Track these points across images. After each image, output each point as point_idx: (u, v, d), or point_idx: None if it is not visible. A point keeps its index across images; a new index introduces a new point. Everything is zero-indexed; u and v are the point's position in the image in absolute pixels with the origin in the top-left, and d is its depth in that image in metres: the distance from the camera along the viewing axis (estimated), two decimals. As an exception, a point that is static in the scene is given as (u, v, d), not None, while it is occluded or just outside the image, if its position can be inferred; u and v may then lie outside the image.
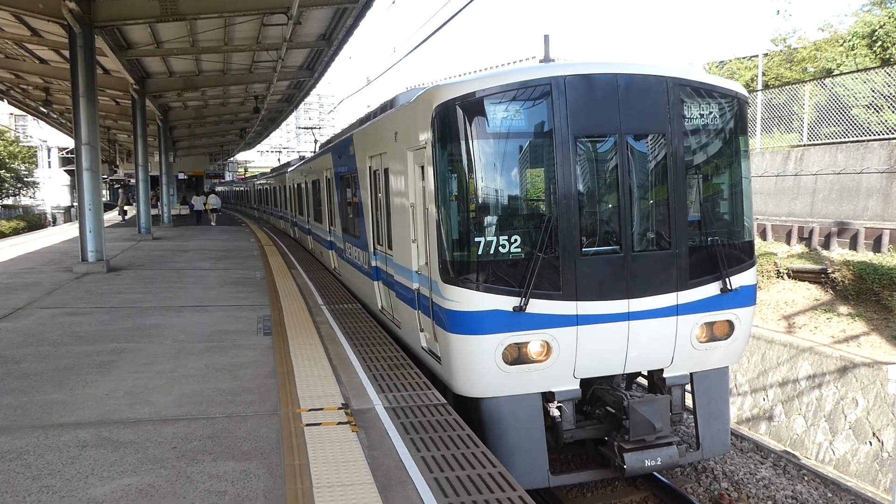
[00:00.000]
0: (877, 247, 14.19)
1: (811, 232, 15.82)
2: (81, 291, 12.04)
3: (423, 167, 6.84)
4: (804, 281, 13.96)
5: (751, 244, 6.98)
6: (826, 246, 15.33)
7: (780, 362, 12.11)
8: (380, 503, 4.15)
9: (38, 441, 5.11)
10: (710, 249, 6.60)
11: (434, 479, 4.48)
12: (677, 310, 6.48)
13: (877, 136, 15.87)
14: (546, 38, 8.04)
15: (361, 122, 11.40)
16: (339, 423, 5.46)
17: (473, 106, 6.09)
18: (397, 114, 8.25)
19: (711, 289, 6.59)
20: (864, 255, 14.15)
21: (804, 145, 17.92)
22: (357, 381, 6.64)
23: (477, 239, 6.07)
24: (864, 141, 16.01)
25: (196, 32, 18.70)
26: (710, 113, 6.61)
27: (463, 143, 6.11)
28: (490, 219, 6.15)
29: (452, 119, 6.16)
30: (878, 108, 16.68)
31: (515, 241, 6.10)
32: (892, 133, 15.60)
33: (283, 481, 4.44)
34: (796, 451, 10.69)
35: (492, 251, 6.06)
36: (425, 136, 6.58)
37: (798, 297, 13.64)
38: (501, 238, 6.08)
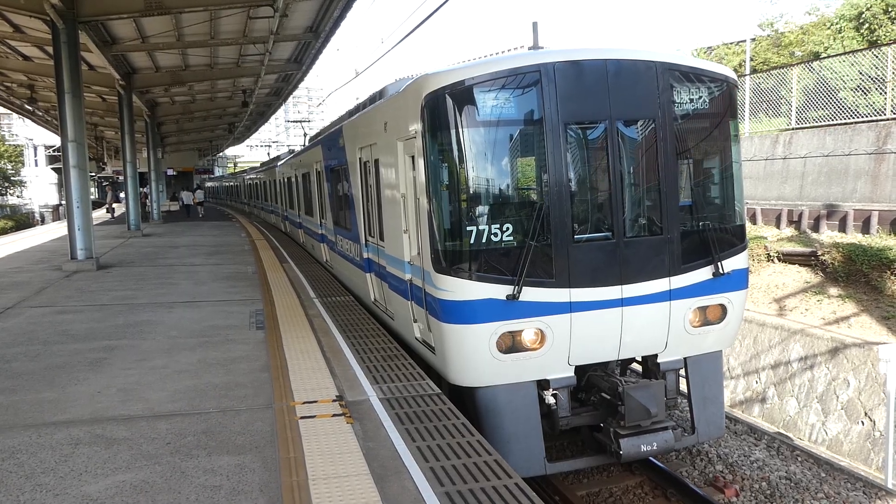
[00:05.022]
0: (866, 228, 14.29)
1: (801, 215, 15.91)
2: (71, 289, 11.96)
3: (413, 157, 6.80)
4: (794, 264, 14.04)
5: (742, 228, 6.99)
6: (815, 229, 15.42)
7: (772, 345, 12.20)
8: (376, 493, 4.16)
9: (30, 440, 5.08)
10: (701, 234, 6.59)
11: (430, 469, 4.49)
12: (670, 295, 6.49)
13: (864, 119, 15.93)
14: (534, 24, 7.98)
15: (351, 113, 11.34)
16: (334, 415, 5.46)
17: (463, 94, 6.05)
18: (387, 104, 8.19)
19: (704, 273, 6.60)
20: (853, 236, 14.25)
21: (792, 129, 17.98)
22: (351, 372, 6.63)
23: (469, 228, 6.04)
24: (851, 123, 16.07)
25: (182, 26, 18.50)
26: (700, 97, 6.59)
27: (453, 131, 6.07)
28: (482, 208, 6.13)
29: (442, 108, 6.11)
30: (865, 91, 16.74)
31: (507, 229, 6.08)
32: (880, 115, 15.67)
33: (278, 474, 4.43)
34: (789, 433, 10.78)
35: (484, 240, 6.04)
36: (415, 126, 6.53)
37: (789, 280, 13.72)
38: (493, 227, 6.06)
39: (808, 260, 13.75)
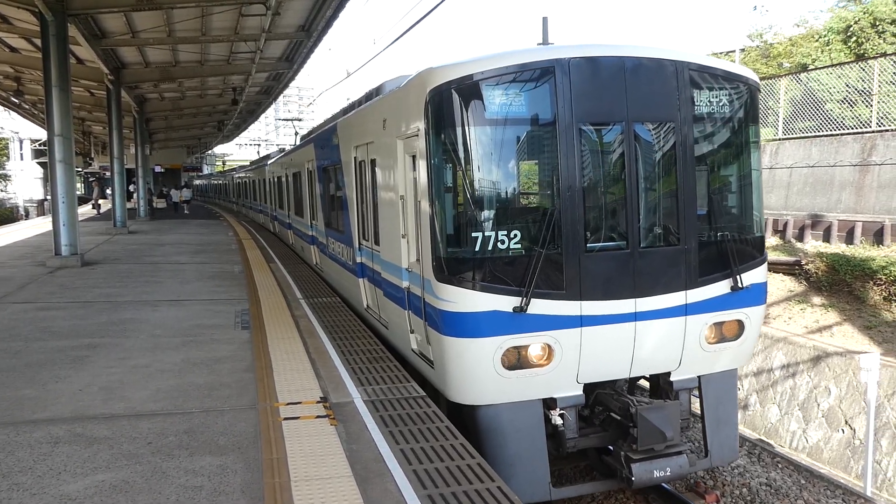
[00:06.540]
0: (849, 239, 14.46)
1: (786, 224, 16.08)
2: (55, 286, 11.83)
3: (414, 157, 6.41)
4: (779, 273, 14.18)
5: (761, 239, 6.63)
6: (800, 238, 15.59)
7: (755, 352, 12.31)
8: (358, 496, 4.15)
9: (8, 438, 5.01)
10: (720, 245, 6.21)
11: (413, 472, 4.48)
12: (686, 309, 6.11)
13: (850, 131, 16.14)
14: (545, 20, 7.47)
15: (345, 111, 11.09)
16: (318, 417, 5.44)
17: (470, 90, 5.64)
18: (386, 100, 7.80)
19: (721, 287, 6.22)
20: (837, 246, 14.42)
21: (779, 139, 18.17)
22: (336, 374, 6.60)
23: (474, 234, 5.64)
24: (837, 135, 16.28)
25: (172, 22, 18.40)
26: (721, 100, 6.22)
27: (459, 130, 5.67)
28: (488, 212, 5.71)
29: (447, 104, 5.70)
30: (851, 103, 16.95)
31: (515, 236, 5.69)
32: (865, 127, 15.88)
33: (260, 475, 4.41)
34: (771, 440, 10.88)
35: (490, 247, 5.64)
36: (417, 124, 6.13)
37: (772, 289, 13.85)
38: (500, 233, 5.66)
39: (792, 269, 13.89)
